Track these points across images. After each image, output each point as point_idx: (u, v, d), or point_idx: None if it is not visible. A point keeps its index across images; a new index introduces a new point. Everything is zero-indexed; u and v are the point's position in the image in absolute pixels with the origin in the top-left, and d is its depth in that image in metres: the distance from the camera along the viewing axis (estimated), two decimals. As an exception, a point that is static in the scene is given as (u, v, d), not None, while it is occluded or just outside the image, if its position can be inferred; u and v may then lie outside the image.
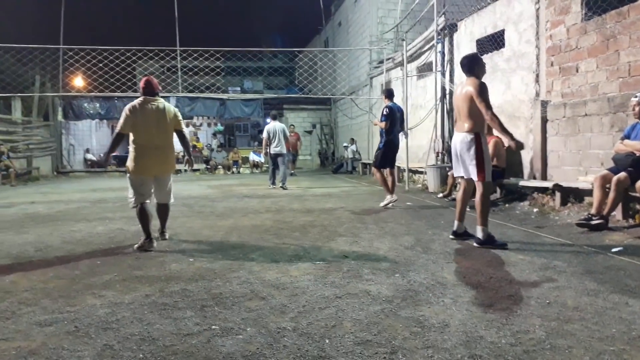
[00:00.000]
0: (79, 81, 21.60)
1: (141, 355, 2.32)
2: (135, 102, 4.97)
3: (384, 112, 7.69)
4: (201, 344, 2.45)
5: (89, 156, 21.76)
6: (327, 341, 2.46)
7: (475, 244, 4.61)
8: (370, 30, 17.06)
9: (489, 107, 4.46)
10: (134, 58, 14.27)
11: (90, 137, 22.57)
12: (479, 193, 4.62)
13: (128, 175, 4.97)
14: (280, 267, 3.97)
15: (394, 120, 7.70)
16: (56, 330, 2.65)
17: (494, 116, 4.46)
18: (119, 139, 4.95)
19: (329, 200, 8.74)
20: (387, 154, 7.73)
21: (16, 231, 5.95)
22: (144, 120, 4.88)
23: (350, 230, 5.60)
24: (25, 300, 3.16)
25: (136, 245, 4.80)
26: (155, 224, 5.10)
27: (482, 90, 4.51)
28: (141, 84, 5.11)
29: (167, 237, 5.30)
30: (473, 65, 4.74)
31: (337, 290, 3.28)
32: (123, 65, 13.87)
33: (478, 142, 4.56)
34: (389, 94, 8.01)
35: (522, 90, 8.15)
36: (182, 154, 6.03)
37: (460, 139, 4.68)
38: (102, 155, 19.62)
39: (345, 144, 19.14)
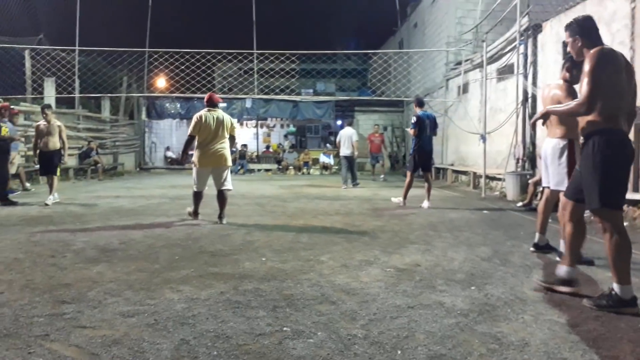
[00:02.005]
0: (161, 82, 22.80)
1: (215, 353, 2.38)
2: (202, 111, 6.46)
3: (413, 120, 8.41)
4: (273, 345, 2.47)
5: (169, 154, 22.90)
6: (399, 352, 2.39)
7: (557, 259, 4.33)
8: (447, 31, 16.63)
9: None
10: (213, 61, 14.84)
11: (170, 135, 23.76)
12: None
13: (194, 167, 6.50)
14: (350, 271, 3.94)
15: (423, 128, 8.34)
16: (137, 321, 2.78)
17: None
18: (190, 140, 6.54)
19: (400, 206, 8.59)
20: (416, 159, 8.43)
21: (103, 223, 6.35)
22: (207, 126, 6.34)
23: (422, 238, 5.46)
24: (110, 291, 3.35)
25: (187, 210, 6.75)
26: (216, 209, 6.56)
27: (570, 92, 4.17)
28: (206, 97, 6.60)
29: (224, 222, 6.39)
30: (564, 66, 4.38)
31: (409, 300, 3.20)
32: (203, 67, 14.45)
33: (571, 149, 4.21)
34: (419, 103, 8.69)
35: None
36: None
37: (552, 145, 4.36)
38: (179, 154, 21.12)
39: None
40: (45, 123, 8.63)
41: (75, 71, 14.70)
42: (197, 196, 6.56)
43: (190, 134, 6.43)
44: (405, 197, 8.56)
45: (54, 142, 8.59)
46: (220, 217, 6.45)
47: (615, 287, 3.01)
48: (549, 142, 4.42)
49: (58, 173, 8.76)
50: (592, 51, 3.12)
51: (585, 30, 3.29)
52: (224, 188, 6.50)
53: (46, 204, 8.15)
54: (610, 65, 3.06)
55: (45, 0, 15.79)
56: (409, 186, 8.54)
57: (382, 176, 16.01)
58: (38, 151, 8.57)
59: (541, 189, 4.84)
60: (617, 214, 3.08)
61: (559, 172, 4.28)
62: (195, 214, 6.61)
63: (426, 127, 8.39)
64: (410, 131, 8.51)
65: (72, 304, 3.06)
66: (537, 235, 4.71)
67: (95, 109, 18.58)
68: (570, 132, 4.21)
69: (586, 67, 3.06)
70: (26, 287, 3.44)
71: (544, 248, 4.66)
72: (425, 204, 8.26)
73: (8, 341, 2.50)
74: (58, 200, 8.55)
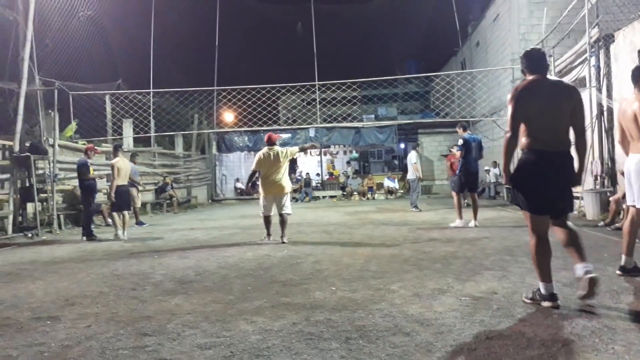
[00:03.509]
0: (229, 117, 23.77)
1: (291, 386, 2.38)
2: (263, 150, 7.81)
3: (460, 143, 9.02)
4: (347, 378, 2.44)
5: (239, 185, 23.65)
6: (479, 387, 2.29)
7: None
8: (511, 48, 16.21)
9: None
10: (277, 94, 15.31)
11: (239, 167, 24.57)
12: None
13: (261, 196, 7.75)
14: (423, 301, 3.84)
15: (469, 150, 8.89)
16: (214, 354, 2.85)
17: None
18: (253, 174, 8.00)
19: (471, 230, 8.32)
20: (462, 180, 8.96)
21: (179, 256, 6.63)
22: (267, 162, 7.63)
23: (497, 263, 5.24)
24: (188, 323, 3.47)
25: (260, 239, 7.72)
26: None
27: None
28: (265, 138, 7.94)
29: (285, 240, 7.41)
30: None
31: (487, 330, 3.06)
32: (268, 101, 14.93)
33: None
34: (464, 127, 9.38)
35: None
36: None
37: (636, 161, 4.13)
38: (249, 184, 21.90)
39: (486, 168, 18.18)
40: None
41: (150, 112, 15.67)
42: (266, 220, 7.79)
43: (253, 170, 7.83)
44: (460, 216, 8.85)
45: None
46: (282, 236, 7.50)
47: (539, 284, 3.59)
48: (633, 157, 4.16)
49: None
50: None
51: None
52: (283, 212, 7.62)
53: (120, 239, 8.76)
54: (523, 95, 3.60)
55: (123, 47, 17.06)
56: (460, 205, 8.95)
57: (465, 200, 14.82)
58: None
59: (625, 207, 4.52)
60: (530, 216, 3.65)
61: None
62: (268, 235, 7.75)
63: (472, 150, 8.94)
64: (458, 153, 9.23)
65: (153, 337, 3.20)
66: (623, 257, 4.39)
67: (169, 145, 19.65)
68: None
69: None
70: (111, 319, 3.64)
71: (631, 271, 4.33)
72: (472, 223, 8.62)
73: (97, 373, 2.64)
74: (125, 238, 8.92)
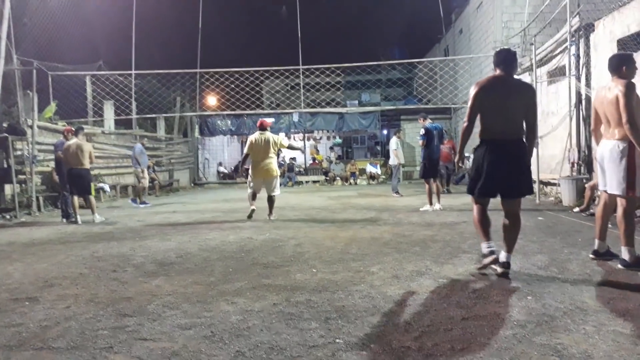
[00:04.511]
0: (212, 100, 23.54)
1: (270, 364, 2.43)
2: (255, 134, 8.22)
3: (422, 132, 9.43)
4: (326, 357, 2.49)
5: (222, 169, 23.53)
6: (453, 364, 2.36)
7: (620, 266, 4.16)
8: (494, 35, 16.30)
9: (629, 112, 3.95)
10: (261, 78, 15.20)
11: (222, 151, 24.41)
12: (621, 209, 4.15)
13: (250, 177, 8.29)
14: (401, 282, 3.91)
15: (431, 138, 9.33)
16: (195, 334, 2.88)
17: (633, 123, 3.93)
18: (246, 157, 8.42)
19: (450, 214, 8.44)
20: (427, 166, 9.35)
21: (161, 238, 6.61)
22: (258, 146, 8.07)
23: (475, 247, 5.33)
24: (168, 304, 3.49)
25: (247, 215, 8.16)
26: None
27: (629, 92, 4.01)
28: (258, 123, 8.45)
29: (271, 218, 8.04)
30: (621, 66, 4.22)
31: (463, 311, 3.14)
32: (251, 85, 14.83)
33: (631, 152, 4.05)
34: (424, 117, 9.77)
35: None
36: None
37: (610, 147, 4.20)
38: (232, 168, 21.97)
39: (466, 154, 18.35)
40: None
41: (132, 94, 15.44)
42: (253, 194, 8.29)
43: (246, 153, 8.30)
44: (430, 202, 9.22)
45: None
46: (270, 215, 8.13)
47: (482, 244, 4.19)
48: (607, 144, 4.25)
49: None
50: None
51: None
52: (272, 194, 8.20)
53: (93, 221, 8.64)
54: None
55: (104, 28, 16.73)
56: (430, 191, 9.25)
57: (447, 188, 13.90)
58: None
59: (598, 193, 4.65)
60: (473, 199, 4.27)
61: (619, 175, 4.12)
62: (251, 210, 8.18)
63: (434, 138, 9.38)
64: (420, 142, 9.53)
65: (133, 317, 3.21)
66: (596, 241, 4.51)
67: (151, 128, 19.42)
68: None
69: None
70: (91, 300, 3.63)
71: (604, 255, 4.46)
72: (437, 206, 9.15)
73: (75, 353, 2.65)
74: (103, 220, 8.84)
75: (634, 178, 4.07)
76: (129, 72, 15.62)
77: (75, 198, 8.80)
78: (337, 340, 2.70)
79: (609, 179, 4.23)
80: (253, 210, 8.19)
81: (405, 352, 2.52)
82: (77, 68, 14.94)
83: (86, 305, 3.52)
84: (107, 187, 13.56)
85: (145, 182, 12.58)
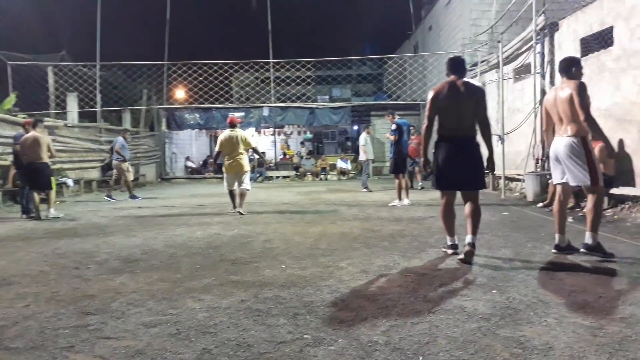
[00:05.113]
0: (180, 93, 23.13)
1: (237, 361, 2.40)
2: (225, 131, 8.55)
3: (393, 128, 9.55)
4: (294, 353, 2.48)
5: (189, 164, 23.16)
6: (420, 358, 2.38)
7: (583, 250, 4.45)
8: (462, 33, 16.54)
9: (586, 109, 4.29)
10: (230, 71, 15.01)
11: (190, 145, 24.02)
12: (593, 199, 4.43)
13: (224, 173, 8.50)
14: (370, 277, 3.93)
15: (402, 134, 9.48)
16: (160, 331, 2.82)
17: (592, 119, 4.29)
18: (218, 153, 8.69)
19: (418, 209, 8.55)
20: (397, 161, 9.45)
21: (126, 234, 6.46)
22: (228, 143, 8.38)
23: (442, 241, 5.39)
24: (133, 301, 3.41)
25: (228, 210, 8.57)
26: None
27: (582, 91, 4.34)
28: (227, 120, 8.70)
29: (241, 211, 8.27)
30: (570, 67, 4.55)
31: (429, 305, 3.18)
32: (220, 78, 14.62)
33: (586, 146, 4.38)
34: (392, 114, 9.99)
35: (633, 92, 7.44)
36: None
37: (565, 143, 4.47)
38: (200, 163, 21.70)
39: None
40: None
41: (96, 86, 15.02)
42: (231, 193, 8.55)
43: (218, 151, 8.60)
44: (399, 197, 9.40)
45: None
46: (240, 207, 8.38)
47: (446, 238, 4.73)
48: (561, 140, 4.54)
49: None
50: None
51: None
52: (242, 187, 8.47)
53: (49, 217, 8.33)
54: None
55: (67, 18, 16.21)
56: (400, 186, 9.41)
57: (419, 184, 13.73)
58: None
59: (552, 188, 4.95)
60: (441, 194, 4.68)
61: (582, 168, 4.38)
62: (233, 207, 8.49)
63: (404, 133, 9.56)
64: (391, 137, 9.59)
65: (96, 315, 3.12)
66: (557, 236, 4.65)
67: (117, 121, 18.93)
68: (581, 130, 4.39)
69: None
70: (52, 299, 3.52)
71: (565, 249, 4.59)
72: (406, 201, 9.34)
73: (34, 353, 2.56)
74: (59, 216, 8.52)
75: (595, 169, 4.35)
76: (94, 63, 15.20)
77: (36, 194, 8.51)
78: (305, 336, 2.69)
79: (571, 172, 4.45)
80: (234, 208, 8.47)
81: (373, 346, 2.53)
82: (39, 58, 14.43)
83: (47, 303, 3.40)
84: (70, 182, 13.17)
85: (130, 176, 12.37)
